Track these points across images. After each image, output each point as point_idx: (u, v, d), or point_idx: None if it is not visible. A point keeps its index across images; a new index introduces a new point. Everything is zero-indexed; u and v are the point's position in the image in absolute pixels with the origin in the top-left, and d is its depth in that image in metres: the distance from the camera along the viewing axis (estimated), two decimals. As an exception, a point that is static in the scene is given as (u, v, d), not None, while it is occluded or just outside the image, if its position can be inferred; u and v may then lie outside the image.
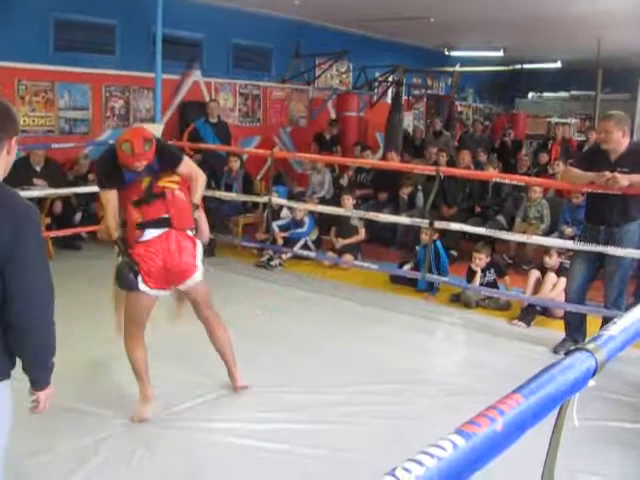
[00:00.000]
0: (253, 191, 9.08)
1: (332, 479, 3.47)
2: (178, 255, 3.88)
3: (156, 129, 8.44)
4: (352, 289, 7.16)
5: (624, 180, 5.00)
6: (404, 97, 14.65)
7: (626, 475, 3.62)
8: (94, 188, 8.44)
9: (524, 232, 7.54)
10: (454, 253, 8.14)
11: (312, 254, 8.00)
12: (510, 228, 8.20)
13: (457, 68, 15.90)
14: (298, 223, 8.39)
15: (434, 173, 6.96)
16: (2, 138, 2.17)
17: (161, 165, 3.95)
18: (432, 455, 0.93)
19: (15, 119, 2.25)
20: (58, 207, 8.20)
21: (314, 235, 8.55)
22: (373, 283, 7.34)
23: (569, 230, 7.65)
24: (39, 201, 7.99)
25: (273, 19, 11.74)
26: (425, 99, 16.96)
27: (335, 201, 8.81)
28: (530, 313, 6.35)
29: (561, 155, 10.91)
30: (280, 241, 8.18)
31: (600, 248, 5.28)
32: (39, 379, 2.31)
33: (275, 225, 8.23)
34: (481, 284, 6.71)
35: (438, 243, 7.02)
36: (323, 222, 8.67)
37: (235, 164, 8.94)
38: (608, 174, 5.07)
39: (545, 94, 19.54)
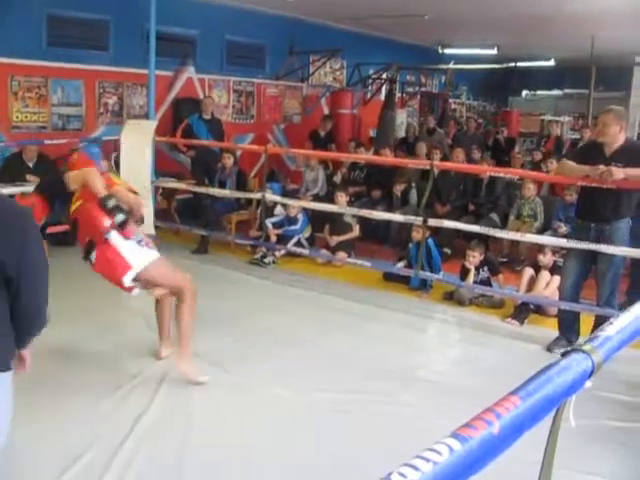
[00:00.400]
0: (247, 188, 9.06)
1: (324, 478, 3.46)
2: (110, 274, 4.11)
3: (150, 125, 8.44)
4: (345, 286, 7.15)
5: (619, 173, 5.02)
6: (398, 94, 14.65)
7: (623, 474, 3.63)
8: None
9: (518, 230, 7.55)
10: (447, 251, 8.14)
11: (305, 251, 7.99)
12: (504, 226, 8.20)
13: (451, 66, 15.91)
14: (291, 220, 8.38)
15: (428, 167, 6.95)
16: None
17: (59, 202, 4.08)
18: (428, 459, 0.92)
19: None
20: (51, 203, 8.14)
21: (307, 232, 8.54)
22: (366, 281, 7.33)
23: (563, 229, 7.66)
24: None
25: (267, 16, 11.71)
26: (419, 96, 16.96)
27: (329, 198, 8.79)
28: (523, 311, 6.35)
29: (554, 153, 10.92)
30: (273, 238, 8.16)
31: (592, 246, 5.29)
32: (28, 343, 2.50)
33: (268, 222, 8.21)
34: (475, 282, 6.71)
35: (430, 241, 7.00)
36: (316, 219, 8.66)
37: (229, 161, 8.91)
38: (603, 167, 5.08)
39: (539, 92, 19.55)
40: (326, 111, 13.37)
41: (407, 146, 12.34)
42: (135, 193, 4.48)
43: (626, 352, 1.66)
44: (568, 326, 5.59)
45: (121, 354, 4.93)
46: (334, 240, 8.23)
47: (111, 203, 4.06)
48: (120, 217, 4.05)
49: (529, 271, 6.67)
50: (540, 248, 6.63)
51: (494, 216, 8.66)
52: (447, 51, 15.40)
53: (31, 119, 9.18)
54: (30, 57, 8.94)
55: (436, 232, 7.27)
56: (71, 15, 9.38)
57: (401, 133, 13.84)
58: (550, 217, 8.21)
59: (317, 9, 11.53)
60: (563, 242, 5.89)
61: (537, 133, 15.19)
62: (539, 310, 6.48)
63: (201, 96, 10.63)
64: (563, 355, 1.31)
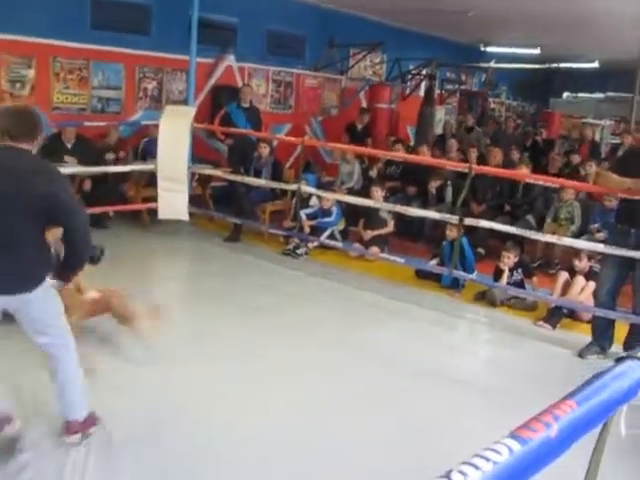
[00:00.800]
0: (282, 178, 9.06)
1: (348, 472, 3.44)
2: None
3: (188, 112, 8.47)
4: (377, 281, 7.12)
5: None
6: (437, 91, 14.54)
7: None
8: (124, 167, 8.57)
9: (553, 233, 7.44)
10: (481, 251, 8.06)
11: (339, 244, 7.97)
12: (540, 228, 8.09)
13: (492, 64, 15.74)
14: (326, 212, 8.36)
15: (466, 170, 6.88)
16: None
17: None
18: (488, 459, 0.90)
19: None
20: (87, 185, 8.20)
21: (341, 225, 8.52)
22: (398, 277, 7.29)
23: (600, 234, 7.55)
24: (69, 178, 8.04)
25: (308, 6, 11.70)
26: (458, 94, 16.82)
27: (364, 192, 8.74)
28: (556, 315, 6.27)
29: (591, 156, 10.74)
30: (307, 230, 8.14)
31: (631, 252, 5.20)
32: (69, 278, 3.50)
33: (303, 213, 8.19)
34: (508, 283, 6.64)
35: (463, 240, 6.92)
36: (350, 213, 8.63)
37: (265, 150, 8.91)
38: None
39: (580, 94, 19.28)
40: (364, 105, 13.31)
41: (444, 144, 12.25)
42: None
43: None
44: (601, 333, 5.52)
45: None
46: (368, 234, 8.19)
47: None
48: None
49: (564, 275, 6.58)
50: (576, 253, 6.55)
51: (530, 218, 8.54)
52: (489, 49, 15.25)
53: (71, 101, 9.25)
54: (73, 39, 8.99)
55: (470, 231, 7.20)
56: (115, -1, 9.44)
57: (439, 130, 13.73)
58: (587, 221, 8.10)
59: (358, 1, 11.48)
60: (601, 247, 5.80)
61: (576, 136, 14.94)
62: (572, 315, 6.40)
63: (240, 84, 10.64)
64: (617, 361, 1.28)
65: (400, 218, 8.40)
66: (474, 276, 6.88)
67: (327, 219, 8.34)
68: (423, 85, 14.31)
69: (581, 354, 5.45)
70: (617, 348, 5.47)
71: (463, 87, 17.08)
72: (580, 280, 6.40)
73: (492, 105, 18.02)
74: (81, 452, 3.32)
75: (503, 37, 14.24)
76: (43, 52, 8.74)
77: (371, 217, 8.28)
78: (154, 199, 8.22)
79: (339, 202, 8.45)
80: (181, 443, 3.50)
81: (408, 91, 14.38)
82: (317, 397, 4.24)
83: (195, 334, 5.17)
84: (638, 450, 3.69)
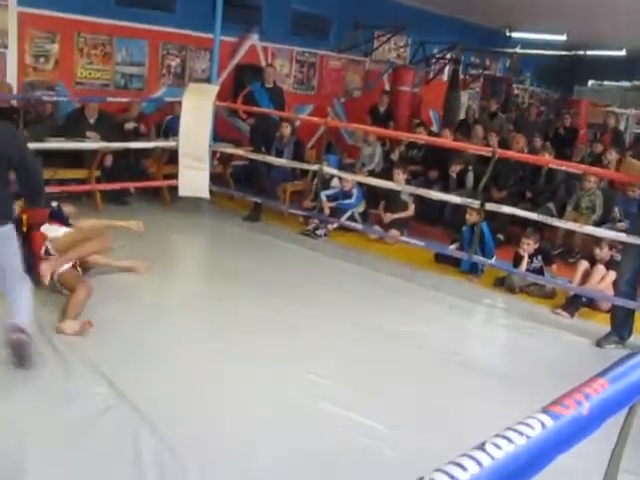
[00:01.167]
0: (303, 159, 9.03)
1: (366, 454, 3.45)
2: None
3: (211, 90, 8.46)
4: (396, 264, 7.10)
5: None
6: (461, 76, 14.43)
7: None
8: (146, 144, 8.59)
9: (574, 221, 7.39)
10: (501, 237, 8.02)
11: (358, 226, 7.97)
12: (560, 216, 8.03)
13: (518, 50, 15.57)
14: (346, 194, 8.34)
15: (490, 154, 6.83)
16: None
17: None
18: (521, 433, 0.90)
19: None
20: (109, 161, 8.22)
21: (361, 207, 8.50)
22: (417, 260, 7.27)
23: (620, 224, 7.49)
24: (91, 153, 8.07)
25: (334, -13, 11.62)
26: (482, 79, 16.67)
27: (385, 175, 8.70)
28: (575, 303, 6.24)
29: (612, 145, 10.63)
30: (327, 211, 8.13)
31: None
32: (39, 203, 4.27)
33: (323, 194, 8.18)
34: (527, 270, 6.61)
35: (483, 225, 6.88)
36: (371, 195, 8.61)
37: (286, 130, 8.90)
38: None
39: (605, 82, 19.04)
40: (387, 87, 13.24)
41: (466, 128, 12.16)
42: None
43: None
44: (621, 322, 5.49)
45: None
46: (388, 217, 8.16)
47: None
48: None
49: (584, 264, 6.54)
50: (596, 241, 6.49)
51: (551, 205, 8.48)
52: (514, 35, 15.05)
53: (95, 76, 9.27)
54: (97, 14, 8.99)
55: (490, 217, 7.15)
56: (140, -26, 9.42)
57: (461, 115, 13.64)
58: (609, 211, 8.03)
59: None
60: (623, 237, 5.75)
61: (601, 125, 14.77)
62: (591, 304, 6.36)
63: (263, 64, 10.61)
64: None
65: (421, 202, 8.37)
66: (493, 261, 6.86)
67: (347, 201, 8.33)
68: (447, 69, 14.21)
69: (599, 343, 5.42)
70: (636, 338, 5.45)
71: (487, 72, 16.93)
72: (600, 269, 6.35)
73: (516, 91, 17.85)
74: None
75: (529, 22, 14.04)
76: (67, 27, 8.76)
77: (392, 200, 8.25)
78: (175, 176, 8.24)
79: (359, 184, 8.43)
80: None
81: (432, 75, 14.29)
82: (326, 376, 4.22)
83: (211, 310, 5.21)
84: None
